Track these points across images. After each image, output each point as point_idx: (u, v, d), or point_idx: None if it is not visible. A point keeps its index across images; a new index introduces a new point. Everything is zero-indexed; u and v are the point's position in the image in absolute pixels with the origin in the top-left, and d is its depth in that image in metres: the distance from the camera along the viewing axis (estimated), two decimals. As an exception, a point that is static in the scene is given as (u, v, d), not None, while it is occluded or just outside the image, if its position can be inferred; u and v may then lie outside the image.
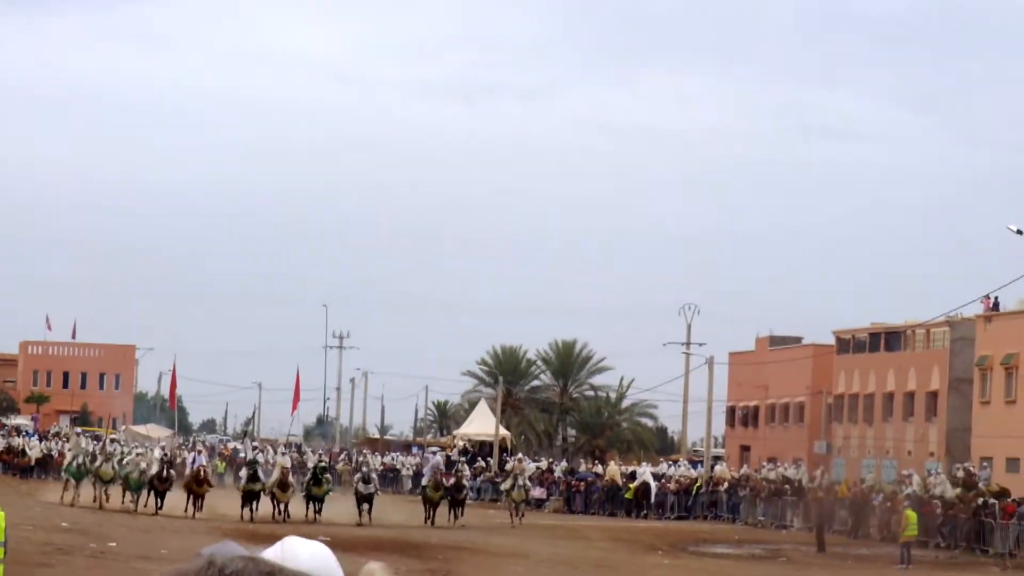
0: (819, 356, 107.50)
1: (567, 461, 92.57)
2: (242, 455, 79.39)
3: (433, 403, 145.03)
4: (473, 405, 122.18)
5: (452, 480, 64.45)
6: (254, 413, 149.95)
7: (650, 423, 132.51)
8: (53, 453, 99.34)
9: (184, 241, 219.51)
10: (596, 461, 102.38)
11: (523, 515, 68.58)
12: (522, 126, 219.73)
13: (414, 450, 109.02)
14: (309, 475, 63.97)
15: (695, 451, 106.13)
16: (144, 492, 62.86)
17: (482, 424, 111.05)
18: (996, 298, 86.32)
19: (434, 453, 77.71)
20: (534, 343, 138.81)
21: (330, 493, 63.80)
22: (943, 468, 79.31)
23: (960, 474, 74.48)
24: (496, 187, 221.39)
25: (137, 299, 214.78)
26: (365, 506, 62.14)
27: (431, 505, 63.27)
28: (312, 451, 78.82)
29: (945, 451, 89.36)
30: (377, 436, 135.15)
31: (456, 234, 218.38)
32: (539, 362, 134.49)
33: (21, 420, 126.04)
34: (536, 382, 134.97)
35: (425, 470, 67.71)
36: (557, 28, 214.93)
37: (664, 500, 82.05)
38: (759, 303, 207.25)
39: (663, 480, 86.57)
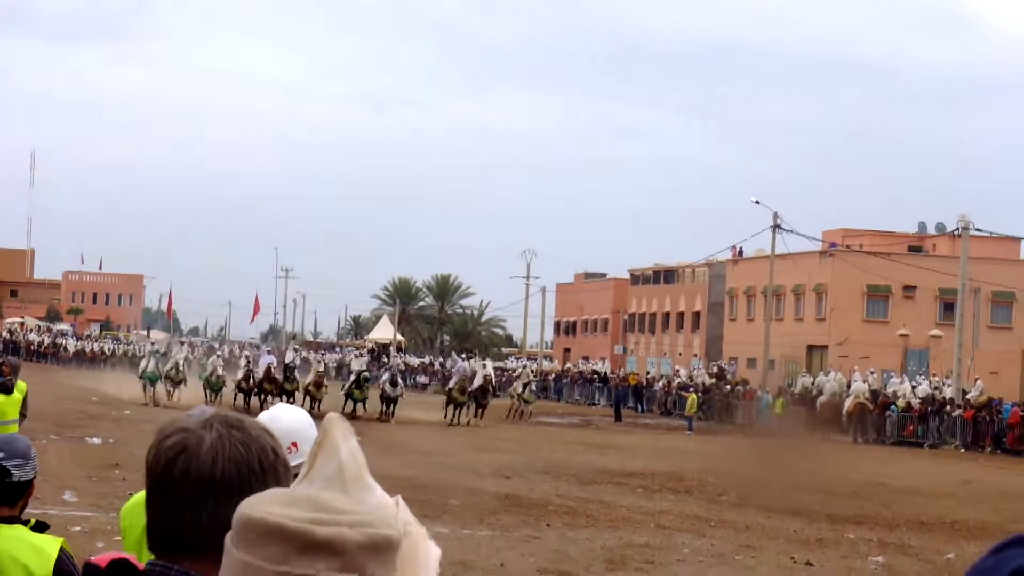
0: (618, 286, 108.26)
1: (443, 357, 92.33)
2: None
3: (351, 317, 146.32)
4: (378, 318, 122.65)
5: (478, 385, 52.18)
6: (227, 322, 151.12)
7: (501, 332, 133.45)
8: (85, 349, 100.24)
9: (178, 202, 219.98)
10: (484, 358, 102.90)
11: (525, 413, 57.82)
12: (416, 126, 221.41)
13: (336, 349, 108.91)
14: (352, 379, 51.77)
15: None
16: (226, 392, 53.87)
17: (384, 331, 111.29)
18: (741, 248, 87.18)
19: (465, 359, 65.75)
20: (421, 275, 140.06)
21: (367, 397, 51.33)
22: (703, 365, 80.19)
23: (715, 369, 75.40)
24: (397, 167, 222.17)
25: (146, 242, 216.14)
26: (390, 406, 51.04)
27: (456, 406, 51.64)
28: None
29: (704, 353, 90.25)
30: (311, 339, 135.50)
31: (368, 198, 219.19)
32: (424, 289, 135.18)
33: (63, 326, 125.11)
34: (422, 303, 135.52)
35: (454, 374, 55.15)
36: (439, 57, 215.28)
37: (511, 386, 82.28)
38: (578, 248, 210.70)
39: (510, 371, 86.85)
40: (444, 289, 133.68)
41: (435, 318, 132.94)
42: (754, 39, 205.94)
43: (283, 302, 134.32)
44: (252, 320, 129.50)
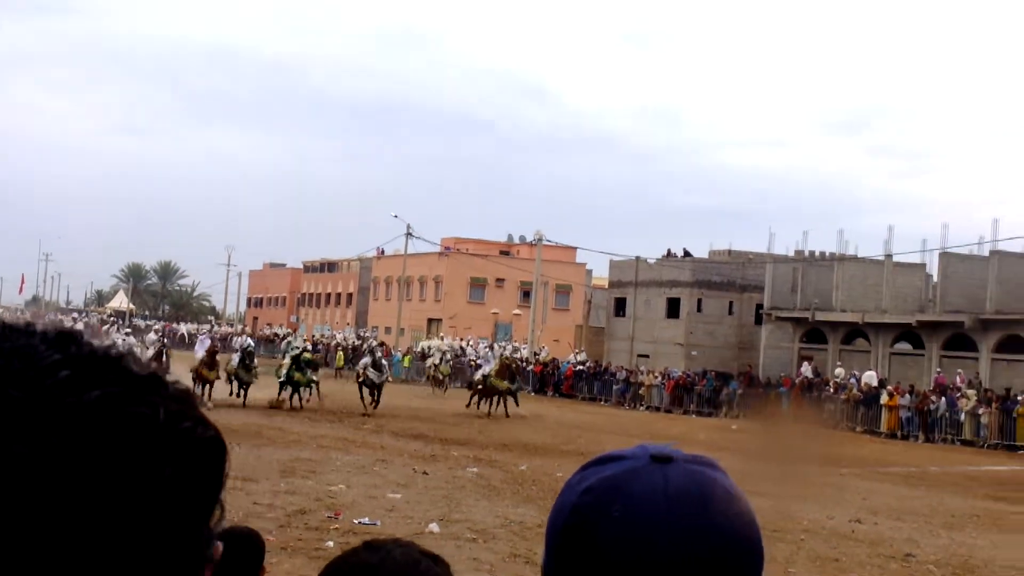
0: (295, 273, 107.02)
1: (165, 322, 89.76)
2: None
3: (96, 290, 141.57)
4: (116, 292, 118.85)
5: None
6: None
7: (208, 304, 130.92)
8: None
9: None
10: (181, 323, 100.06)
11: (444, 384, 47.11)
12: (170, 148, 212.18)
13: (84, 314, 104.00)
14: (291, 363, 32.68)
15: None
16: None
17: (120, 302, 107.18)
18: (383, 249, 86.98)
19: (490, 348, 47.36)
20: (149, 260, 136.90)
21: (313, 382, 33.23)
22: (353, 331, 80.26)
23: (363, 333, 75.48)
24: (140, 178, 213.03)
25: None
26: (374, 393, 33.38)
27: (493, 394, 35.24)
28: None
29: (355, 323, 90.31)
30: (63, 306, 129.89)
31: (114, 201, 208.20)
32: (152, 271, 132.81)
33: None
34: (150, 281, 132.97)
35: (481, 363, 40.84)
36: (170, 98, 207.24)
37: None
38: (266, 243, 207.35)
39: (217, 333, 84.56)
40: (167, 271, 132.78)
41: (159, 292, 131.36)
42: (412, 98, 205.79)
43: (43, 278, 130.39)
44: (20, 291, 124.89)
